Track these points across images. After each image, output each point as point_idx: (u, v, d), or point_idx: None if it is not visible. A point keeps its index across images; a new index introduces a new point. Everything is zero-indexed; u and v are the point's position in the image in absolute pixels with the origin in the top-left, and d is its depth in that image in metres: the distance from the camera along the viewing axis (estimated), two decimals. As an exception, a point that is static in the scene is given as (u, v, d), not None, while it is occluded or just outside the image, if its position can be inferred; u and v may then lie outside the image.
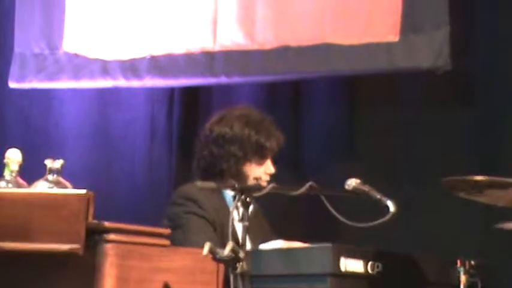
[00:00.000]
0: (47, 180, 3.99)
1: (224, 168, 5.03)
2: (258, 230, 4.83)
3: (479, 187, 4.35)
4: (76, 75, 6.49)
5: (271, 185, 4.35)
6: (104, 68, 6.43)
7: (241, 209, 4.21)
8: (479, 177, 4.25)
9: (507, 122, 5.35)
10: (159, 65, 6.31)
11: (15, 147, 4.05)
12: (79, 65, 6.51)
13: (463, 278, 4.66)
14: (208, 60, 6.17)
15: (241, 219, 4.06)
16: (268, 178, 5.13)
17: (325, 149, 5.84)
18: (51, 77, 6.54)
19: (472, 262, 4.68)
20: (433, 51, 5.64)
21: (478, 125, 5.51)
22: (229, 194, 4.95)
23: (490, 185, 4.32)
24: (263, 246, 4.84)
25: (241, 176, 5.05)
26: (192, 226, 4.93)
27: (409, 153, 5.58)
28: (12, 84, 6.53)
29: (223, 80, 6.18)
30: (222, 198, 5.06)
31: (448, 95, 5.67)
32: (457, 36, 5.55)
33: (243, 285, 3.89)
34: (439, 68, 5.59)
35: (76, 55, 6.54)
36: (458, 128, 5.57)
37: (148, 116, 6.36)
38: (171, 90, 6.37)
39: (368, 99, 5.96)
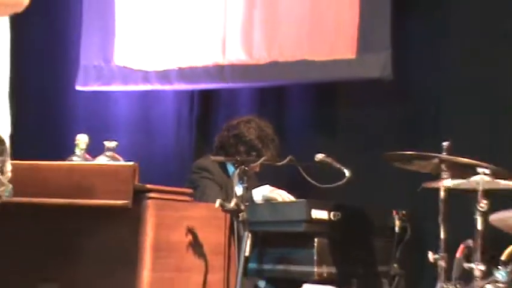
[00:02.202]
0: (105, 155, 4.02)
1: (229, 153, 5.04)
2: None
3: (409, 159, 4.44)
4: (124, 81, 6.45)
5: (263, 158, 4.45)
6: (145, 76, 6.36)
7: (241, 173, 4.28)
8: (409, 152, 4.37)
9: (428, 117, 5.42)
10: (184, 74, 6.24)
11: (83, 133, 4.09)
12: (126, 74, 6.45)
13: (397, 223, 4.75)
14: (219, 71, 6.12)
15: (242, 182, 4.09)
16: None
17: (300, 134, 5.85)
18: (107, 83, 6.48)
19: (404, 212, 4.80)
20: (379, 66, 5.60)
21: (408, 118, 5.55)
22: (231, 168, 5.01)
23: (416, 157, 4.41)
24: (254, 191, 4.92)
25: None
26: (206, 187, 4.97)
27: (362, 136, 5.61)
28: (78, 88, 6.49)
29: (230, 85, 6.16)
30: (226, 170, 5.09)
31: (390, 97, 5.68)
32: (397, 52, 5.56)
33: (243, 228, 3.97)
34: (384, 78, 5.57)
35: (124, 67, 6.47)
36: (395, 120, 5.61)
37: (176, 110, 6.32)
38: (192, 93, 6.33)
39: (332, 100, 5.98)
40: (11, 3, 2.37)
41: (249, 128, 5.14)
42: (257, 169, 5.01)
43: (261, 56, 6.06)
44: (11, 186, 2.35)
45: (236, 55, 6.12)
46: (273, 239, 4.57)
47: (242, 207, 3.98)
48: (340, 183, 4.23)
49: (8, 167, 2.35)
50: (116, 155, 4.03)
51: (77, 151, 4.04)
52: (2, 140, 2.32)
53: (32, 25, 6.44)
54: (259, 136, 5.10)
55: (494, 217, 4.13)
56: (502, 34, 5.28)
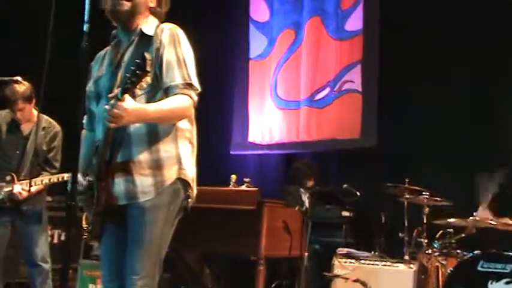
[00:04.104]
0: (244, 185, 3.99)
1: (296, 180, 4.89)
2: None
3: (388, 187, 4.26)
4: (252, 150, 6.24)
5: (318, 187, 4.34)
6: (261, 147, 6.20)
7: (306, 193, 4.25)
8: (389, 184, 4.16)
9: (397, 165, 5.07)
10: (279, 146, 6.09)
11: (234, 174, 4.06)
12: (253, 146, 6.25)
13: (383, 218, 4.59)
14: (295, 145, 6.00)
15: (307, 197, 4.05)
16: None
17: (333, 174, 5.57)
18: (244, 150, 6.28)
19: (386, 213, 4.66)
20: (370, 141, 5.45)
21: (384, 166, 5.19)
22: (300, 189, 4.85)
23: (392, 187, 4.19)
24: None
25: None
26: (289, 199, 4.72)
27: (363, 175, 5.06)
28: (232, 152, 6.34)
29: (300, 151, 5.95)
30: (298, 190, 4.91)
31: (375, 155, 5.39)
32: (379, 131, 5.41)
33: (308, 219, 3.91)
34: (372, 145, 5.41)
35: (252, 142, 6.27)
36: (378, 167, 5.22)
37: (275, 163, 6.14)
38: (282, 155, 6.12)
39: (347, 158, 5.67)
40: (180, 117, 2.07)
41: (302, 164, 5.01)
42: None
43: (314, 137, 5.91)
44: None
45: (303, 137, 5.98)
46: (323, 225, 4.46)
47: (308, 210, 3.92)
48: (355, 199, 4.15)
49: (194, 193, 2.17)
50: (250, 185, 4.02)
51: (231, 183, 4.05)
52: (188, 182, 2.13)
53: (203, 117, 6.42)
54: (309, 168, 4.95)
55: (435, 221, 4.02)
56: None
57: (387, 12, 5.50)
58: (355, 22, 5.77)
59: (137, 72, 1.82)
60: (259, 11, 6.51)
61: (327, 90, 5.93)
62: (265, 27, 6.45)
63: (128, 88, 1.85)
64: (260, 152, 6.28)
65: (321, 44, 6.00)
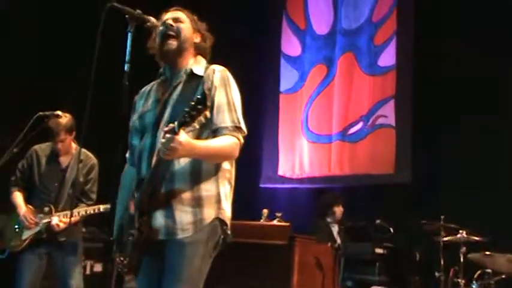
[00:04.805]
0: (276, 219, 4.00)
1: (326, 215, 4.88)
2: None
3: (424, 224, 4.25)
4: (282, 183, 6.20)
5: (350, 222, 4.32)
6: (290, 181, 6.15)
7: (336, 226, 4.20)
8: (424, 221, 4.19)
9: (430, 199, 5.05)
10: (312, 180, 6.03)
11: (264, 209, 4.08)
12: (283, 180, 6.22)
13: (417, 256, 4.52)
14: (328, 179, 5.95)
15: (338, 233, 4.01)
16: None
17: (365, 208, 5.45)
18: (274, 183, 6.23)
19: (420, 251, 4.58)
20: (405, 175, 5.40)
21: (417, 200, 5.18)
22: (332, 223, 4.84)
23: (428, 223, 4.21)
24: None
25: None
26: (320, 235, 4.67)
27: (398, 205, 5.15)
28: (261, 185, 6.26)
29: (332, 185, 5.85)
30: (329, 224, 4.92)
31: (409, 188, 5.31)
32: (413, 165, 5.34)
33: (339, 256, 3.89)
34: (406, 180, 5.34)
35: (282, 176, 6.25)
36: (413, 200, 5.19)
37: (307, 197, 6.01)
38: (313, 188, 6.00)
39: (380, 191, 5.60)
40: (226, 157, 2.16)
41: (328, 194, 4.97)
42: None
43: (346, 171, 5.87)
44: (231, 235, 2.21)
45: (336, 171, 5.95)
46: (356, 262, 4.44)
47: (340, 246, 3.90)
48: (388, 235, 4.11)
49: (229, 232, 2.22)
50: (282, 219, 4.02)
51: (262, 218, 4.07)
52: (225, 221, 2.17)
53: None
54: (336, 196, 4.89)
55: (471, 256, 3.95)
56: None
57: (421, 47, 5.53)
58: (388, 57, 5.83)
59: (198, 106, 1.86)
60: (290, 46, 6.62)
61: (360, 125, 5.95)
62: (296, 61, 6.55)
63: (187, 122, 1.88)
64: (290, 185, 6.27)
65: (354, 79, 6.05)
